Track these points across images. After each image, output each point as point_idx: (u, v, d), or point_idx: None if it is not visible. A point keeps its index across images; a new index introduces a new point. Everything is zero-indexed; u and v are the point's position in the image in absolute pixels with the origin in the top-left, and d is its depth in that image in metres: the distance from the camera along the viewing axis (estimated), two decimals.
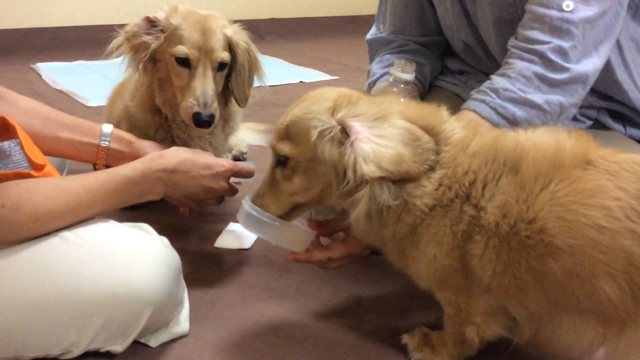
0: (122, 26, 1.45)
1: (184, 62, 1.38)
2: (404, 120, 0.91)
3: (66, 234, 1.00)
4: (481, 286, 0.92)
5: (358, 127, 0.89)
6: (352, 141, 0.88)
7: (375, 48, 1.59)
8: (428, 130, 0.92)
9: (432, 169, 0.90)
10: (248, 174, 1.32)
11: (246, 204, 1.03)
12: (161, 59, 1.43)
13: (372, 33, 1.61)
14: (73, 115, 1.39)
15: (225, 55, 1.42)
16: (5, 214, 0.94)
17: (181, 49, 1.37)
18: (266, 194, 1.03)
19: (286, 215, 1.04)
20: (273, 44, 4.44)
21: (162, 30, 1.40)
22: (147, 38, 1.40)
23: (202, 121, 1.37)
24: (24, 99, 1.33)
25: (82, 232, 1.01)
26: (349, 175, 0.88)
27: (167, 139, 1.54)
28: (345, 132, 0.90)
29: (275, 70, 3.52)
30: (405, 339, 1.12)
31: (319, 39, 4.70)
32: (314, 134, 0.92)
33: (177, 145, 1.54)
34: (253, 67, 1.53)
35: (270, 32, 4.63)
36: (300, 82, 3.26)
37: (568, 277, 0.83)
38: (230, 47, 1.45)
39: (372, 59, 1.60)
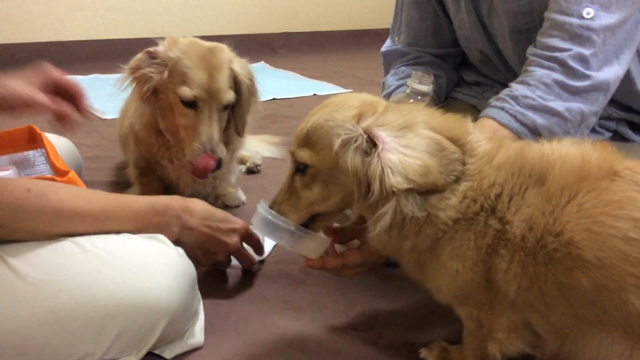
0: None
1: (190, 103, 1.36)
2: (430, 130, 0.89)
3: (82, 242, 1.00)
4: (506, 301, 0.90)
5: (385, 137, 0.87)
6: (379, 151, 0.86)
7: (390, 60, 1.59)
8: (453, 141, 0.90)
9: (457, 180, 0.89)
10: (258, 243, 1.32)
11: (261, 208, 1.02)
12: (163, 91, 1.42)
13: (387, 45, 1.61)
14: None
15: (231, 96, 1.40)
16: (29, 197, 0.94)
17: (187, 92, 1.35)
18: (284, 201, 1.01)
19: (305, 225, 1.03)
20: (287, 57, 4.46)
21: (163, 64, 1.38)
22: (148, 70, 1.39)
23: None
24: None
25: (99, 241, 1.01)
26: (375, 187, 0.86)
27: (166, 156, 1.55)
28: (370, 141, 0.88)
29: (288, 84, 3.54)
30: (424, 353, 1.10)
31: (332, 52, 4.72)
32: (337, 143, 0.90)
33: (176, 166, 1.55)
34: (253, 99, 1.53)
35: (283, 45, 4.66)
36: (314, 94, 3.27)
37: (596, 291, 0.81)
38: (235, 82, 1.44)
39: (386, 72, 1.60)
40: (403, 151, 0.86)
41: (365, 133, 0.89)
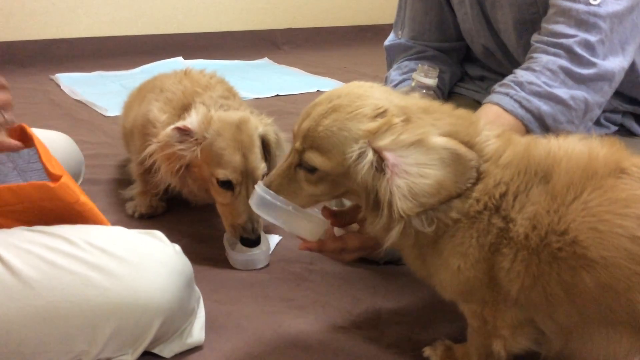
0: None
1: (227, 184, 1.38)
2: (443, 138, 0.86)
3: (76, 240, 0.99)
4: (508, 299, 0.89)
5: (393, 160, 0.84)
6: (387, 177, 0.84)
7: (394, 54, 1.57)
8: (463, 144, 0.87)
9: (476, 183, 0.86)
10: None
11: (259, 188, 0.99)
12: (196, 165, 1.42)
13: (390, 39, 1.59)
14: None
15: (263, 167, 1.41)
16: None
17: (223, 174, 1.36)
18: (284, 189, 0.98)
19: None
20: (290, 53, 4.45)
21: (197, 142, 1.38)
22: (179, 148, 1.38)
23: (250, 243, 1.39)
24: None
25: (93, 239, 1.00)
26: (384, 212, 0.85)
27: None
28: (382, 160, 0.86)
29: (292, 80, 3.53)
30: (427, 351, 1.09)
31: (335, 48, 4.70)
32: (350, 158, 0.88)
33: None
34: (280, 148, 1.53)
35: (287, 41, 4.65)
36: (318, 91, 3.25)
37: (602, 290, 0.80)
38: (264, 142, 1.46)
39: (390, 66, 1.58)
40: (413, 171, 0.83)
41: (376, 152, 0.86)
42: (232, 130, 1.39)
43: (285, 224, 1.00)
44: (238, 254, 1.44)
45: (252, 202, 1.01)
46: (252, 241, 1.38)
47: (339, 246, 1.08)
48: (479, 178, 0.87)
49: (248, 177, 1.38)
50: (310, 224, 1.02)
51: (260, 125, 1.46)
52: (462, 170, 0.85)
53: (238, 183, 1.38)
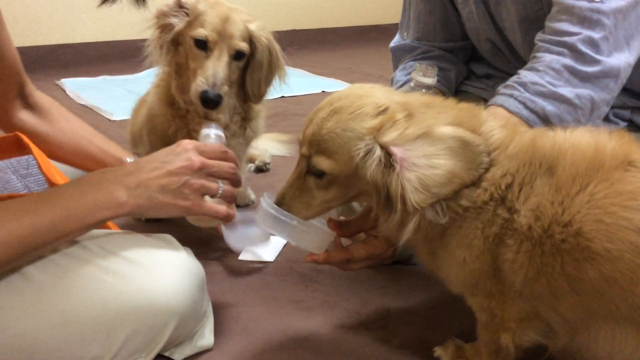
0: (144, 41, 1.47)
1: (202, 44, 1.39)
2: (450, 127, 0.86)
3: (89, 244, 0.99)
4: (512, 291, 0.88)
5: (401, 154, 0.84)
6: (397, 172, 0.84)
7: (399, 56, 1.57)
8: None
9: (487, 171, 0.87)
10: (219, 154, 1.06)
11: (265, 203, 1.00)
12: (182, 42, 1.44)
13: (395, 41, 1.59)
14: (98, 129, 1.39)
15: (243, 46, 1.42)
16: None
17: (201, 31, 1.38)
18: (296, 199, 0.99)
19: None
20: (295, 54, 4.44)
21: (187, 14, 1.42)
22: (173, 20, 1.43)
23: (208, 99, 1.35)
24: (65, 119, 1.30)
25: (106, 243, 1.00)
26: (398, 207, 0.85)
27: (183, 132, 1.53)
28: (390, 156, 0.86)
29: (297, 81, 3.51)
30: (438, 351, 1.09)
31: (340, 48, 4.70)
32: (357, 157, 0.88)
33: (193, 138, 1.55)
34: (273, 66, 1.53)
35: (291, 43, 4.64)
36: (323, 92, 3.26)
37: (606, 283, 0.79)
38: (251, 42, 1.45)
39: (396, 67, 1.58)
40: (422, 163, 0.84)
41: (383, 149, 0.86)
42: (224, 7, 1.43)
43: (291, 237, 1.00)
44: (232, 231, 1.40)
45: (258, 217, 1.02)
46: (210, 98, 1.34)
47: (345, 257, 1.08)
48: (491, 165, 0.87)
49: (224, 41, 1.39)
50: (316, 237, 1.03)
51: (254, 22, 1.46)
52: (472, 156, 0.85)
53: (212, 41, 1.39)
